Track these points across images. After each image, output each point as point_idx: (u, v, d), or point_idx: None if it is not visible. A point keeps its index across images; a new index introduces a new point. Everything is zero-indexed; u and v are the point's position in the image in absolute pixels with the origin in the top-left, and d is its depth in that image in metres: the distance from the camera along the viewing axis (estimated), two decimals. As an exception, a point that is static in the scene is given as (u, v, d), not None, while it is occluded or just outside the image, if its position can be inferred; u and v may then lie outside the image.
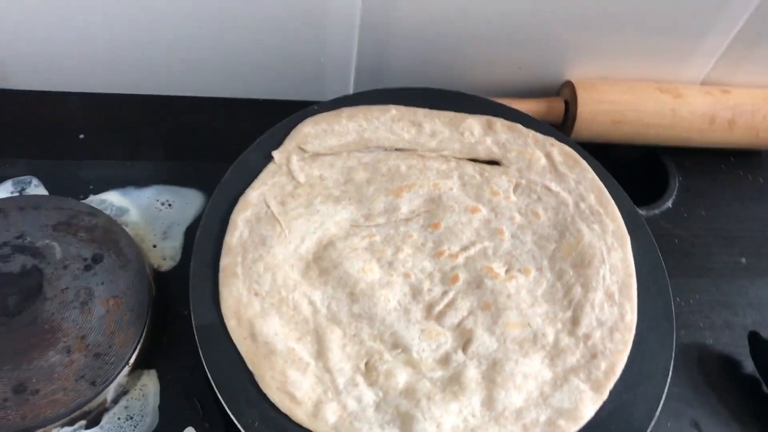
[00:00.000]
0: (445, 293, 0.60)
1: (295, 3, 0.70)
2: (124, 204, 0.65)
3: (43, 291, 0.58)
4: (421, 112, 0.69)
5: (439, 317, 0.59)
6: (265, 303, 0.58)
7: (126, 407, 0.56)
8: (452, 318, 0.58)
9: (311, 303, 0.58)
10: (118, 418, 0.56)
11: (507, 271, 0.62)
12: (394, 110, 0.69)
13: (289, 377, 0.55)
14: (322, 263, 0.60)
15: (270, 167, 0.64)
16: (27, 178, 0.65)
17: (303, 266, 0.60)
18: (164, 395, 0.57)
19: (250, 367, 0.55)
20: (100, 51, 0.73)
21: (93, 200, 0.65)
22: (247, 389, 0.54)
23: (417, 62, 0.78)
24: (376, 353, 0.57)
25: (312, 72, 0.78)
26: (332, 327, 0.57)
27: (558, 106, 0.79)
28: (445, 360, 0.57)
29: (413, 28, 0.74)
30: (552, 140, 0.69)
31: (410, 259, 0.61)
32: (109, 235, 0.61)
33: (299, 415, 0.53)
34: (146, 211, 0.65)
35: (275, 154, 0.65)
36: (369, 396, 0.55)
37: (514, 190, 0.66)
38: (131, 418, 0.56)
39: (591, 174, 0.67)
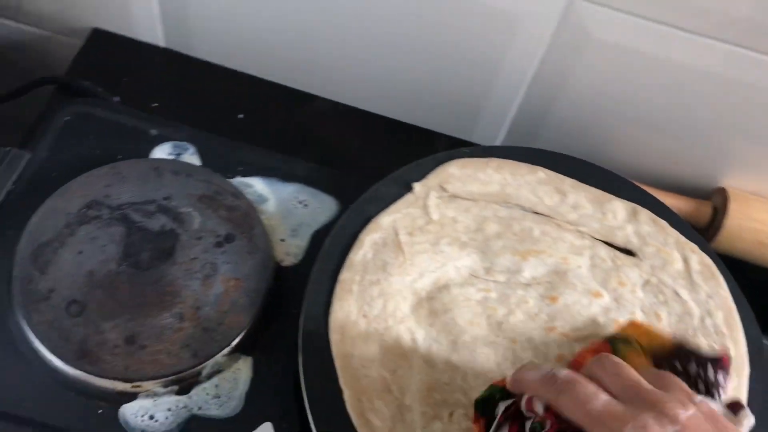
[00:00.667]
0: None
1: (476, 44, 0.71)
2: (265, 193, 0.68)
3: (174, 255, 0.61)
4: (568, 182, 0.69)
5: None
6: (370, 327, 0.58)
7: (216, 385, 0.58)
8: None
9: (413, 339, 0.59)
10: (207, 394, 0.58)
11: None
12: (542, 173, 0.69)
13: (375, 405, 0.55)
14: (433, 304, 0.61)
15: (407, 197, 0.65)
16: (186, 144, 0.69)
17: (415, 301, 0.61)
18: (253, 384, 0.59)
19: (341, 384, 0.56)
20: (283, 43, 0.76)
21: (239, 181, 0.68)
22: (334, 402, 0.55)
23: (573, 131, 0.78)
24: (461, 407, 0.56)
25: (468, 112, 0.79)
26: (427, 370, 0.58)
27: (706, 210, 0.76)
28: None
29: (580, 97, 0.74)
30: (694, 246, 0.67)
31: (520, 324, 0.61)
32: (247, 219, 0.63)
33: None
34: (283, 205, 0.67)
35: (416, 185, 0.66)
36: None
37: (643, 286, 0.64)
38: (218, 397, 0.58)
39: (725, 292, 0.65)
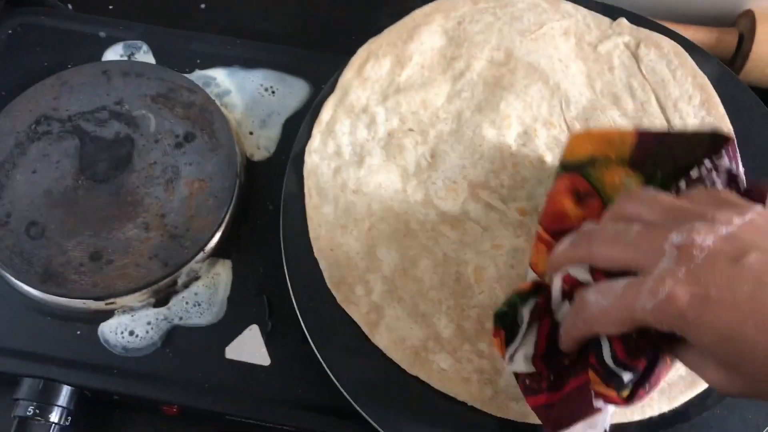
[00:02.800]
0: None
1: None
2: (227, 84, 0.62)
3: (132, 162, 0.57)
4: None
5: None
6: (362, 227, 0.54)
7: (195, 293, 0.55)
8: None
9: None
10: (186, 303, 0.55)
11: None
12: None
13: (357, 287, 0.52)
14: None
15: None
16: (138, 43, 0.63)
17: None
18: (234, 288, 0.55)
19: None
20: None
21: (198, 75, 0.62)
22: (318, 284, 0.52)
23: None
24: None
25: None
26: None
27: (730, 38, 0.67)
28: None
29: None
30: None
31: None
32: (205, 114, 0.58)
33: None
34: (248, 95, 0.62)
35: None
36: None
37: None
38: (198, 304, 0.55)
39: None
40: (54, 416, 0.51)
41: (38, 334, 0.53)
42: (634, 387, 0.41)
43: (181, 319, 0.54)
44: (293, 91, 0.62)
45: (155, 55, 0.63)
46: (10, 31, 0.64)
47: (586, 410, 0.43)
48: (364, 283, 0.51)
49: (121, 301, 0.54)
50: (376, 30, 0.63)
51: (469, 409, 0.49)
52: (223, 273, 0.56)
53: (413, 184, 0.55)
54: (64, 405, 0.52)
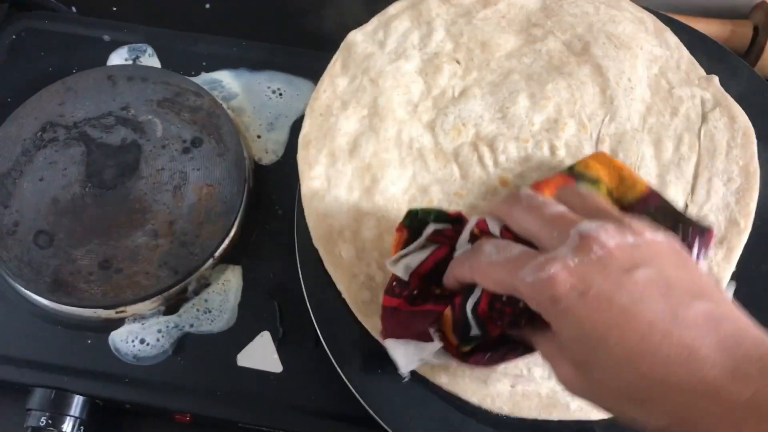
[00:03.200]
0: None
1: None
2: (234, 87, 0.61)
3: (140, 168, 0.56)
4: None
5: None
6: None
7: (206, 300, 0.55)
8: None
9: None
10: (197, 310, 0.54)
11: None
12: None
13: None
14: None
15: None
16: (143, 46, 0.63)
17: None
18: (245, 294, 0.55)
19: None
20: None
21: (204, 78, 0.61)
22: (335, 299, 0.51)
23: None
24: None
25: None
26: None
27: (744, 31, 0.66)
28: None
29: None
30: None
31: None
32: (212, 119, 0.58)
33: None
34: (255, 98, 0.61)
35: None
36: None
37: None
38: (209, 311, 0.54)
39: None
40: (66, 426, 0.51)
41: (49, 343, 0.53)
42: (474, 348, 0.43)
43: (191, 326, 0.54)
44: (301, 92, 0.61)
45: (160, 58, 0.62)
46: (14, 36, 0.63)
47: (423, 334, 0.44)
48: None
49: (131, 309, 0.53)
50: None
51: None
52: (233, 279, 0.55)
53: (427, 104, 0.55)
54: (77, 415, 0.51)
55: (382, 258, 0.50)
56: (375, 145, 0.53)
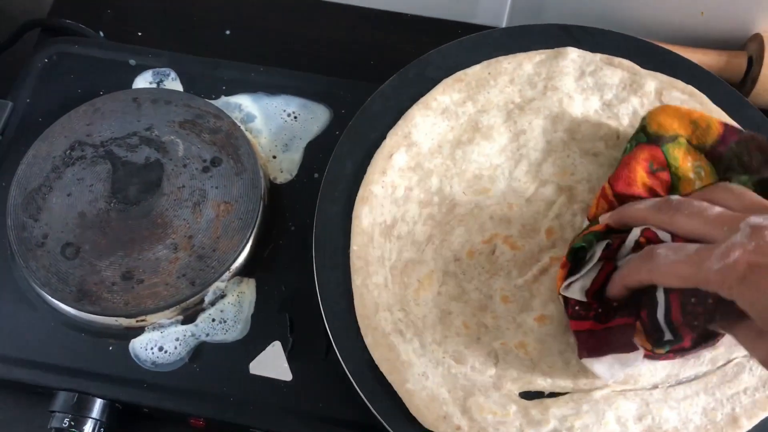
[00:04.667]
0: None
1: None
2: (252, 109, 0.65)
3: (162, 186, 0.59)
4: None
5: None
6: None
7: (221, 311, 0.58)
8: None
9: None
10: (213, 320, 0.57)
11: None
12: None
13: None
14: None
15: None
16: (166, 70, 0.66)
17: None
18: (258, 306, 0.58)
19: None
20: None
21: (224, 101, 0.65)
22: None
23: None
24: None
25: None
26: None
27: (739, 62, 0.69)
28: None
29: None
30: None
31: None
32: (231, 140, 0.61)
33: None
34: (272, 120, 0.64)
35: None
36: None
37: None
38: (224, 321, 0.57)
39: None
40: (88, 428, 0.54)
41: (73, 349, 0.56)
42: (669, 350, 0.46)
43: (207, 335, 0.57)
44: (315, 116, 0.65)
45: (183, 82, 0.66)
46: (46, 60, 0.67)
47: (624, 346, 0.47)
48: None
49: (151, 319, 0.56)
50: (394, 57, 0.65)
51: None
52: (247, 291, 0.59)
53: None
54: (97, 417, 0.54)
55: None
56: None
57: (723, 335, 0.47)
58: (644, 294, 0.46)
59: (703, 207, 0.44)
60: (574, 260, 0.51)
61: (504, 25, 0.75)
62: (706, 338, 0.47)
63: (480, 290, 0.55)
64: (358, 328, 0.54)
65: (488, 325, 0.54)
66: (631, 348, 0.47)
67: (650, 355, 0.48)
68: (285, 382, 0.56)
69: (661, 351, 0.47)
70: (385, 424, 0.52)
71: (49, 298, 0.56)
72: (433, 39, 0.66)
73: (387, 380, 0.52)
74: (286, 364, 0.56)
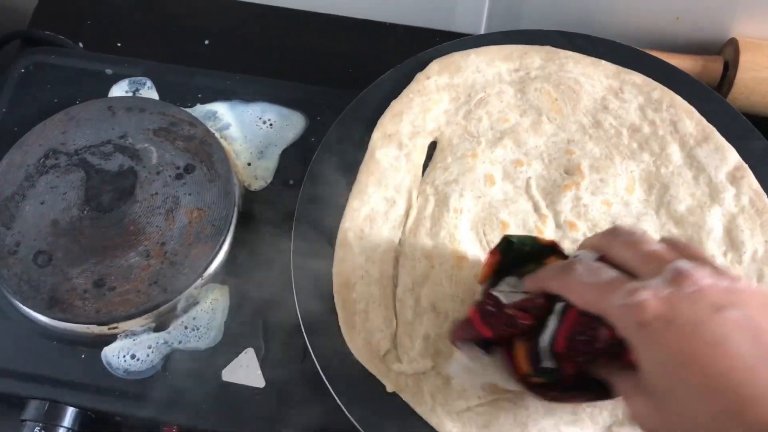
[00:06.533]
0: None
1: None
2: (227, 117, 0.65)
3: (135, 193, 0.59)
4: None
5: None
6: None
7: (194, 318, 0.57)
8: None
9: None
10: (185, 327, 0.57)
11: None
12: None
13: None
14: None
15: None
16: (142, 79, 0.66)
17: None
18: (231, 313, 0.58)
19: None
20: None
21: (199, 109, 0.65)
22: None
23: (560, 2, 0.71)
24: None
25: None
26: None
27: (715, 66, 0.69)
28: None
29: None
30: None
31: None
32: (204, 147, 0.61)
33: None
34: (247, 128, 0.64)
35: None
36: None
37: None
38: (197, 329, 0.57)
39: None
40: (59, 436, 0.54)
41: (44, 357, 0.56)
42: (545, 383, 0.44)
43: (180, 342, 0.57)
44: (290, 123, 0.65)
45: (159, 91, 0.66)
46: (23, 70, 0.67)
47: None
48: None
49: (123, 326, 0.56)
50: (371, 65, 0.65)
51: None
52: (220, 298, 0.58)
53: None
54: (69, 426, 0.54)
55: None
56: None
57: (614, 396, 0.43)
58: (546, 301, 0.43)
59: (643, 240, 0.42)
60: (504, 256, 0.48)
61: (482, 31, 0.75)
62: (589, 385, 0.44)
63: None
64: (335, 333, 0.54)
65: None
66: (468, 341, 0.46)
67: (522, 382, 0.45)
68: (258, 388, 0.55)
69: (538, 380, 0.44)
70: (361, 430, 0.51)
71: (21, 306, 0.56)
72: (410, 47, 0.66)
73: (364, 385, 0.53)
74: (259, 371, 0.56)
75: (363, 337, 0.53)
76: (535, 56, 0.63)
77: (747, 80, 0.66)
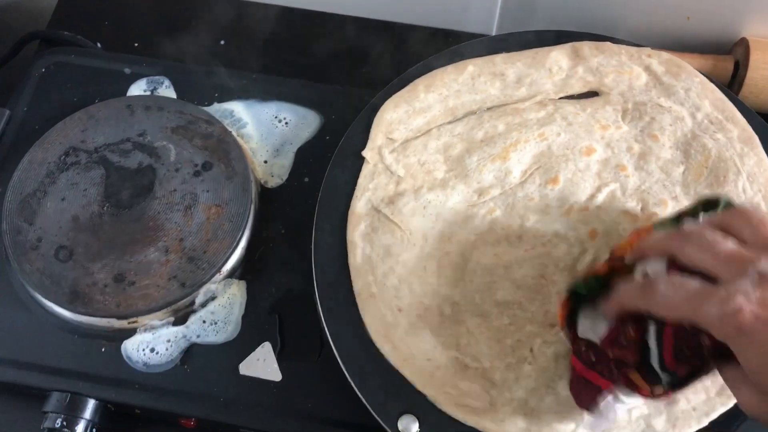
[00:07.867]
0: (584, 251, 0.55)
1: None
2: (244, 116, 0.66)
3: (154, 190, 0.61)
4: (499, 59, 0.64)
5: None
6: (411, 317, 0.55)
7: (212, 312, 0.58)
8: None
9: (454, 304, 0.55)
10: (203, 322, 0.58)
11: (642, 209, 0.57)
12: (470, 66, 0.63)
13: (462, 389, 0.53)
14: (451, 258, 0.56)
15: (366, 169, 0.60)
16: (160, 78, 0.67)
17: (435, 266, 0.56)
18: (248, 307, 0.59)
19: (421, 389, 0.53)
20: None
21: (216, 108, 0.66)
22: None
23: (572, 3, 0.72)
24: (535, 336, 0.54)
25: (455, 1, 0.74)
26: (480, 321, 0.55)
27: (726, 65, 0.69)
28: None
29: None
30: (647, 50, 0.63)
31: (539, 225, 0.57)
32: (222, 145, 0.62)
33: (488, 424, 0.52)
34: (263, 126, 0.66)
35: (366, 153, 0.60)
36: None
37: (623, 118, 0.60)
38: (215, 323, 0.58)
39: (699, 77, 0.62)
40: (80, 428, 0.55)
41: (65, 350, 0.57)
42: (668, 388, 0.45)
43: (198, 336, 0.58)
44: (305, 121, 0.66)
45: (176, 90, 0.67)
46: (43, 70, 0.68)
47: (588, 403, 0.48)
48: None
49: (142, 320, 0.57)
50: (384, 65, 0.66)
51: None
52: (238, 293, 0.59)
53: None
54: (89, 418, 0.55)
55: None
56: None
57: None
58: (636, 327, 0.44)
59: (714, 241, 0.42)
60: (574, 300, 0.49)
61: (494, 32, 0.76)
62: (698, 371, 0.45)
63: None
64: (355, 327, 0.54)
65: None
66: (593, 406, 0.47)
67: (649, 396, 0.46)
68: (275, 382, 0.56)
69: (660, 391, 0.45)
70: (380, 421, 0.52)
71: (43, 300, 0.57)
72: (422, 47, 0.67)
73: (384, 377, 0.53)
74: (275, 365, 0.57)
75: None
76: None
77: (757, 79, 0.67)
